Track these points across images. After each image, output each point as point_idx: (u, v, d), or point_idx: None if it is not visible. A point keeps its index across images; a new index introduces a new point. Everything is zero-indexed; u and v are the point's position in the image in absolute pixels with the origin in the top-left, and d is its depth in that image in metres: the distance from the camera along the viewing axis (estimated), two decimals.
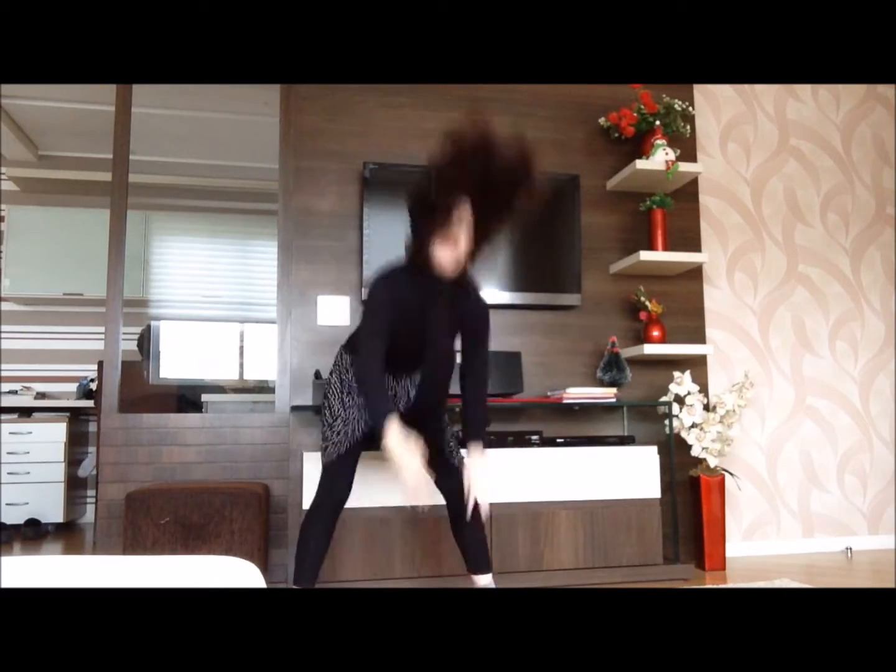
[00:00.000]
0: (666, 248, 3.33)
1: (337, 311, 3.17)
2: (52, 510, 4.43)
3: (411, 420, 2.16)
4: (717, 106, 3.80)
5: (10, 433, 4.43)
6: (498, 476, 2.87)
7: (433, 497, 2.55)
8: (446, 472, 2.19)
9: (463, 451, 2.21)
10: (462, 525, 2.19)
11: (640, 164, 3.26)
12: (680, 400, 3.24)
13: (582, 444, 3.03)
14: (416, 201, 2.00)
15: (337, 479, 2.12)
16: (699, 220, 3.61)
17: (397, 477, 2.16)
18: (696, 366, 3.47)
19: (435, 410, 2.19)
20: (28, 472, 4.42)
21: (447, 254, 1.98)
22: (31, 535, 4.25)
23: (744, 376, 3.36)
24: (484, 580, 2.20)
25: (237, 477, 3.04)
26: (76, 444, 4.68)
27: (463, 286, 2.11)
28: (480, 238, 2.00)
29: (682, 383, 3.22)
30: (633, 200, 3.48)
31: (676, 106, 3.35)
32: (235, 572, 0.87)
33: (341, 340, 3.19)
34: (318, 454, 2.82)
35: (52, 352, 4.99)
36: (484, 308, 2.17)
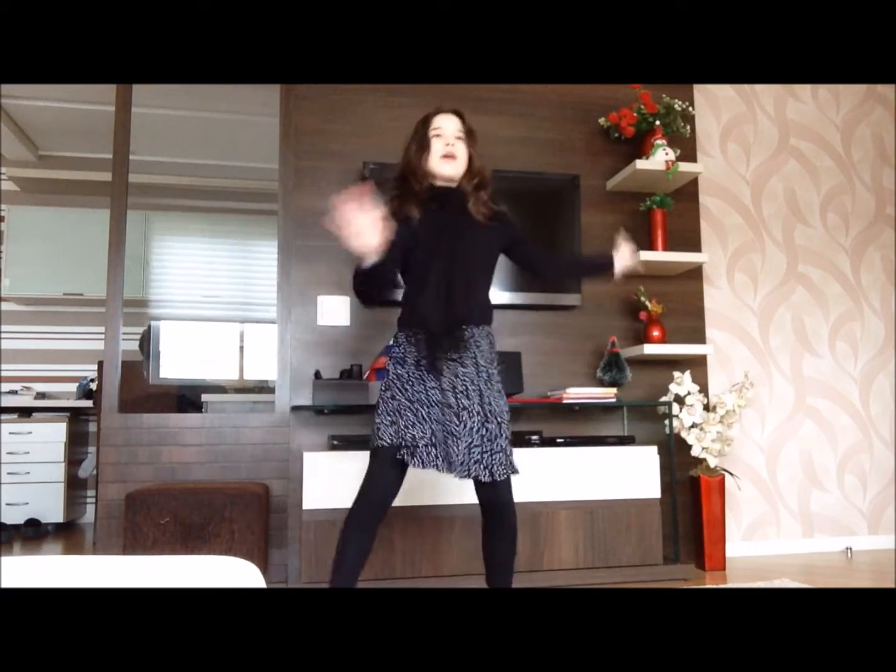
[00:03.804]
0: (666, 248, 3.33)
1: (337, 311, 3.16)
2: (52, 510, 4.43)
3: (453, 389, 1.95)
4: (717, 106, 3.79)
5: (10, 433, 4.43)
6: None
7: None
8: (487, 481, 1.96)
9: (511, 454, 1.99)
10: (494, 541, 2.05)
11: (640, 164, 3.26)
12: (680, 400, 3.24)
13: (582, 444, 3.02)
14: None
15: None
16: (699, 220, 3.61)
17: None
18: (696, 366, 3.46)
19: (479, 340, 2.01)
20: (28, 472, 4.42)
21: (436, 157, 2.05)
22: (31, 535, 4.25)
23: (744, 376, 3.36)
24: None
25: (237, 477, 3.04)
26: (76, 444, 4.68)
27: (471, 201, 2.07)
28: (470, 143, 2.09)
29: (682, 383, 3.22)
30: (633, 200, 3.48)
31: (676, 106, 3.34)
32: (235, 572, 0.87)
33: (342, 340, 3.18)
34: (318, 454, 2.82)
35: (52, 352, 4.99)
36: (507, 218, 2.16)
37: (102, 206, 3.52)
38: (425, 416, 1.95)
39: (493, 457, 1.95)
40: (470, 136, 2.11)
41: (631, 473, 2.98)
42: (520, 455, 2.89)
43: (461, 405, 1.96)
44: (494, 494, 2.00)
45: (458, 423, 1.94)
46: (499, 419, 1.98)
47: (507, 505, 2.03)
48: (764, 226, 3.77)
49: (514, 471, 2.00)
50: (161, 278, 4.92)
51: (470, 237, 2.06)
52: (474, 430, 1.96)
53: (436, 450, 1.95)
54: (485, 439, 1.95)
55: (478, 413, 1.96)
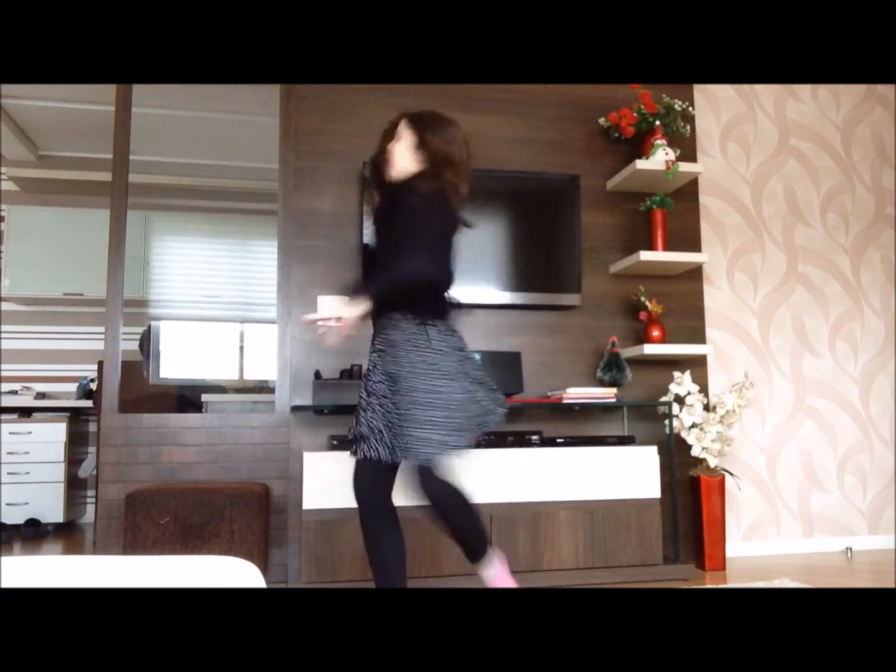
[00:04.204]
0: (666, 248, 3.33)
1: (337, 312, 3.15)
2: (52, 510, 4.43)
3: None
4: (717, 106, 3.79)
5: (10, 433, 4.43)
6: (498, 476, 2.87)
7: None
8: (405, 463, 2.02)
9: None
10: (438, 522, 2.06)
11: (640, 164, 3.26)
12: (680, 400, 3.24)
13: (582, 444, 3.02)
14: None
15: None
16: (699, 220, 3.61)
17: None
18: (696, 366, 3.46)
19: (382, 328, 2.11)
20: (28, 472, 4.42)
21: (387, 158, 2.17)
22: (31, 535, 4.25)
23: (744, 376, 3.36)
24: (483, 571, 2.06)
25: (237, 477, 3.04)
26: (76, 444, 4.68)
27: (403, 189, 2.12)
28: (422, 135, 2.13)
29: (682, 383, 3.22)
30: (633, 200, 3.48)
31: (676, 106, 3.35)
32: (235, 572, 0.87)
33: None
34: (318, 454, 2.82)
35: (52, 352, 4.99)
36: (408, 194, 2.06)
37: (102, 206, 3.52)
38: (365, 405, 2.08)
39: (399, 440, 2.00)
40: (404, 136, 2.13)
41: (631, 473, 2.98)
42: (520, 455, 2.91)
43: (377, 391, 2.09)
44: (409, 478, 2.02)
45: (382, 410, 2.07)
46: (396, 403, 2.03)
47: (420, 487, 2.01)
48: (764, 226, 3.77)
49: (406, 455, 1.98)
50: (161, 278, 4.92)
51: (391, 225, 2.12)
52: (388, 414, 2.05)
53: (374, 438, 2.04)
54: (393, 423, 2.03)
55: (386, 397, 2.06)
